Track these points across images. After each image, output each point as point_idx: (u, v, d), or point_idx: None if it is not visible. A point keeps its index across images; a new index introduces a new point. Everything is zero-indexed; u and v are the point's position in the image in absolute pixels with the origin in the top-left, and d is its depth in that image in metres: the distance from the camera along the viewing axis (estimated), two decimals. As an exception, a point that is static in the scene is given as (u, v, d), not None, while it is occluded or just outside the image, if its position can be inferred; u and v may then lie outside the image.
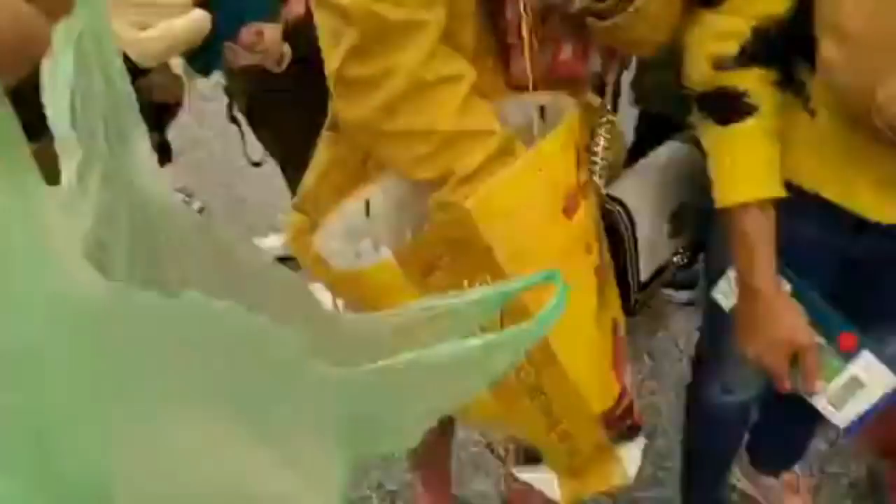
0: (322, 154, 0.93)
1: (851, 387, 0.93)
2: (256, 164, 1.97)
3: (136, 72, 1.58)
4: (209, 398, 0.32)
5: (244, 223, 2.53)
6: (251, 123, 1.87)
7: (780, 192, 0.86)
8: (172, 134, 2.01)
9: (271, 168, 1.99)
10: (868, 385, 0.92)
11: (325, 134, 0.92)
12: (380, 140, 0.80)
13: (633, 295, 0.99)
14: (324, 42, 0.77)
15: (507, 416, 0.88)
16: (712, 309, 1.03)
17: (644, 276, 1.00)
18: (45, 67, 0.38)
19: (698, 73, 0.85)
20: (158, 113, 1.88)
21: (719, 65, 0.83)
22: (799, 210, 0.90)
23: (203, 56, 1.67)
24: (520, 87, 0.84)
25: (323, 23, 0.76)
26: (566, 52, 0.85)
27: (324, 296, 0.86)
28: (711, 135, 0.87)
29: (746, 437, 1.45)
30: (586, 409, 0.86)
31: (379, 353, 0.37)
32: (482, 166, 0.76)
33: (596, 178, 0.94)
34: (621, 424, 0.91)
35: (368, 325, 0.47)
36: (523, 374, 0.83)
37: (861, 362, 0.92)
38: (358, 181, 0.89)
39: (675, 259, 1.06)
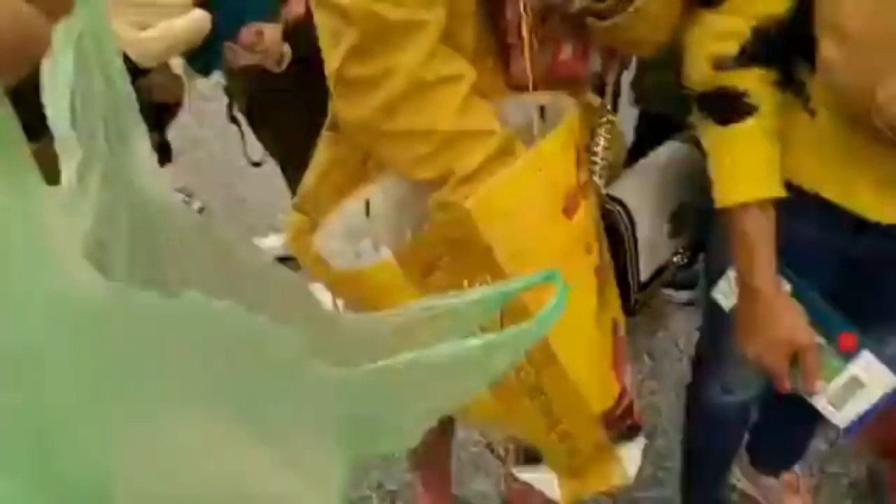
0: (322, 154, 0.93)
1: (851, 387, 0.93)
2: (256, 164, 1.97)
3: (136, 72, 1.58)
4: (209, 398, 0.32)
5: (244, 223, 2.53)
6: (251, 123, 1.87)
7: (780, 192, 0.86)
8: (172, 134, 2.01)
9: (271, 168, 1.99)
10: (868, 385, 0.92)
11: (325, 134, 0.92)
12: (380, 140, 0.80)
13: (633, 295, 0.99)
14: (324, 42, 0.76)
15: (507, 416, 0.88)
16: (712, 309, 1.03)
17: (644, 276, 0.99)
18: (45, 67, 0.38)
19: (698, 72, 0.85)
20: (158, 113, 1.88)
21: (719, 65, 0.83)
22: (799, 210, 0.90)
23: (203, 56, 1.67)
24: (520, 87, 0.84)
25: (323, 23, 0.76)
26: (566, 52, 0.85)
27: (324, 296, 0.86)
28: (711, 135, 0.86)
29: (746, 437, 1.45)
30: (586, 409, 0.86)
31: (379, 354, 0.37)
32: (482, 166, 0.75)
33: (596, 178, 0.94)
34: (621, 424, 0.91)
35: (368, 325, 0.47)
36: (523, 374, 0.83)
37: (861, 362, 0.92)
38: (358, 181, 0.89)
39: (674, 259, 1.06)
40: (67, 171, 0.39)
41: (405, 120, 0.76)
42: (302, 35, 1.43)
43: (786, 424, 1.37)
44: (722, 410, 1.24)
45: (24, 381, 0.26)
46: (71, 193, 0.39)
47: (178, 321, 0.29)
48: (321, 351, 0.35)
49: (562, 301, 0.40)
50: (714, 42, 0.83)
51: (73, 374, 0.27)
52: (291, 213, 0.94)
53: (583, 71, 0.89)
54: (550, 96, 0.84)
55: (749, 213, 0.86)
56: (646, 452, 0.97)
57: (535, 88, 0.82)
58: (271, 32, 1.61)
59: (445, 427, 1.37)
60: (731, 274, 0.95)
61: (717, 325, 1.00)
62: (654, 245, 1.00)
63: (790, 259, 0.90)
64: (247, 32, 1.59)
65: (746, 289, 0.91)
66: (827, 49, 0.76)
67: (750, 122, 0.83)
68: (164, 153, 1.92)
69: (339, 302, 0.91)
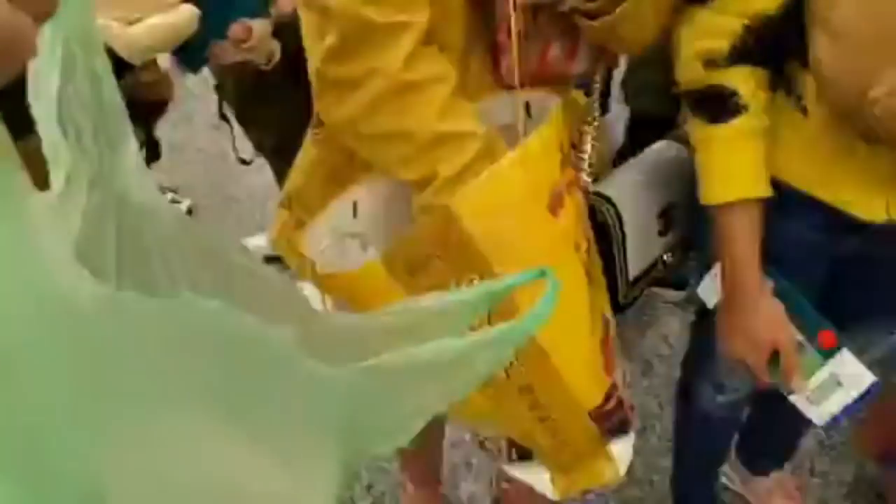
0: (307, 152, 0.92)
1: (830, 385, 0.95)
2: (246, 163, 1.96)
3: (122, 68, 1.57)
4: (201, 398, 0.32)
5: (233, 222, 2.52)
6: (241, 121, 1.86)
7: (766, 192, 0.86)
8: (161, 132, 1.99)
9: (261, 166, 1.98)
10: (846, 383, 0.94)
11: (310, 132, 0.92)
12: (361, 140, 0.80)
13: (622, 291, 0.99)
14: (306, 41, 0.76)
15: (498, 413, 0.88)
16: (703, 308, 1.03)
17: (633, 272, 1.00)
18: (31, 70, 0.37)
19: (689, 70, 0.85)
20: (146, 111, 1.87)
21: (710, 63, 0.83)
22: (789, 209, 0.90)
23: (192, 53, 1.66)
24: (509, 86, 0.83)
25: (306, 21, 0.76)
26: (555, 50, 0.85)
27: (312, 295, 0.85)
28: (699, 133, 0.87)
29: (737, 436, 1.45)
30: (576, 405, 0.86)
31: (368, 353, 0.37)
32: (465, 168, 0.75)
33: (583, 176, 0.94)
34: (612, 420, 0.91)
35: (358, 324, 0.46)
36: (512, 371, 0.82)
37: (840, 361, 0.94)
38: (345, 180, 0.88)
39: (665, 258, 1.06)
40: (55, 175, 0.39)
41: (385, 121, 0.75)
42: (291, 32, 1.42)
43: (776, 424, 1.38)
44: (713, 410, 1.25)
45: (15, 381, 0.26)
46: (59, 197, 0.39)
47: (170, 321, 0.29)
48: (311, 350, 0.35)
49: (552, 297, 0.40)
50: (705, 40, 0.83)
51: (64, 375, 0.27)
52: (277, 211, 0.93)
53: (571, 70, 0.89)
54: (537, 94, 0.84)
55: (734, 211, 0.86)
56: (638, 452, 0.97)
57: (523, 86, 0.81)
58: (260, 29, 1.60)
59: (436, 427, 1.36)
60: (716, 271, 0.96)
61: (708, 324, 1.01)
62: (643, 242, 1.01)
63: (780, 258, 0.91)
64: (236, 29, 1.58)
65: (730, 286, 0.92)
66: (819, 47, 0.76)
67: (738, 122, 0.83)
68: (152, 151, 1.90)
69: (328, 301, 0.90)
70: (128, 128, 0.41)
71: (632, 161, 1.10)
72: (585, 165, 0.95)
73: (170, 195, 2.58)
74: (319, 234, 0.86)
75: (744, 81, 0.83)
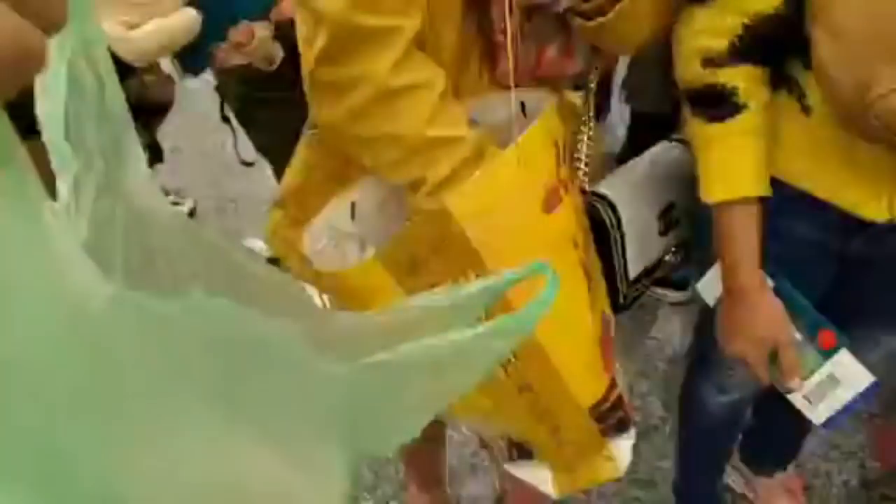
0: (303, 152, 0.93)
1: (828, 384, 0.95)
2: (248, 164, 1.96)
3: (125, 71, 1.57)
4: (211, 397, 0.32)
5: (235, 224, 2.53)
6: (242, 123, 1.86)
7: (766, 191, 0.86)
8: (163, 134, 2.00)
9: (263, 168, 1.98)
10: (844, 383, 0.94)
11: (307, 132, 0.92)
12: (351, 143, 0.81)
13: (621, 290, 0.99)
14: (301, 42, 0.77)
15: (498, 412, 0.88)
16: (706, 308, 1.03)
17: (633, 271, 1.00)
18: (38, 80, 0.38)
19: (688, 69, 0.85)
20: (149, 113, 1.87)
21: (709, 62, 0.83)
22: (791, 209, 0.90)
23: (193, 55, 1.66)
24: (507, 85, 0.84)
25: (301, 23, 0.76)
26: (551, 50, 0.85)
27: (312, 294, 0.86)
28: (700, 132, 0.87)
29: (740, 437, 1.45)
30: (575, 403, 0.86)
31: (368, 352, 0.37)
32: (454, 173, 0.76)
33: (580, 175, 0.95)
34: (611, 417, 0.91)
35: (358, 323, 0.46)
36: (512, 370, 0.83)
37: (839, 360, 0.94)
38: (342, 179, 0.89)
39: (667, 258, 1.07)
40: (62, 181, 0.39)
41: (375, 125, 0.76)
42: (293, 35, 1.42)
43: (779, 424, 1.37)
44: (716, 410, 1.25)
45: (28, 382, 0.26)
46: (66, 205, 0.39)
47: (182, 321, 0.29)
48: (317, 349, 0.35)
49: (552, 291, 0.40)
50: (704, 39, 0.83)
51: (78, 375, 0.27)
52: (271, 210, 0.94)
53: (568, 70, 0.89)
54: (533, 94, 0.84)
55: (734, 210, 0.86)
56: (639, 452, 0.97)
57: (519, 87, 0.81)
58: (262, 32, 1.60)
59: (437, 428, 1.36)
60: (716, 269, 0.96)
61: (710, 324, 1.00)
62: (643, 242, 1.01)
63: (780, 257, 0.91)
64: (237, 32, 1.59)
65: (730, 285, 0.92)
66: (819, 46, 0.76)
67: (738, 120, 0.83)
68: (154, 153, 1.91)
69: (326, 300, 0.90)
70: (133, 134, 0.41)
71: (632, 161, 1.10)
72: (582, 165, 0.95)
73: (171, 197, 2.59)
74: (317, 233, 0.86)
75: (743, 80, 0.83)
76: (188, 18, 1.62)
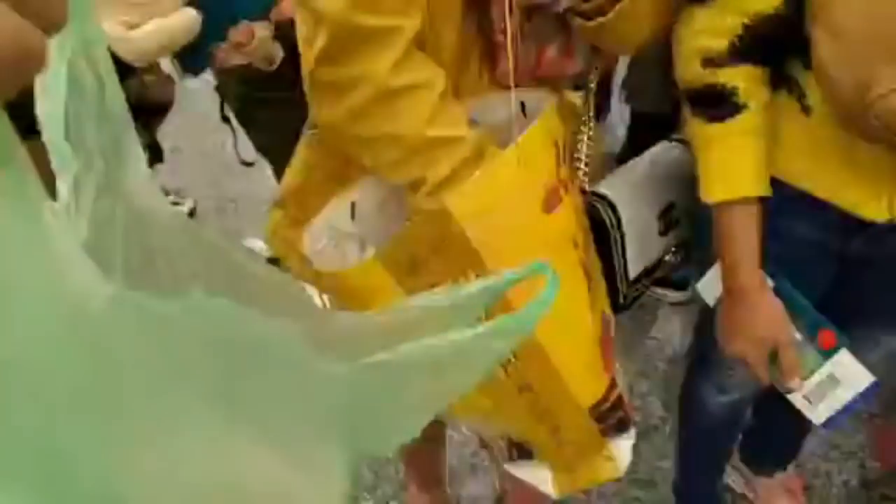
0: (302, 152, 0.93)
1: (828, 384, 0.95)
2: (248, 164, 1.96)
3: (125, 71, 1.57)
4: (210, 397, 0.32)
5: (235, 224, 2.53)
6: (242, 123, 1.86)
7: (766, 191, 0.86)
8: (163, 134, 2.00)
9: (263, 168, 1.98)
10: (844, 383, 0.94)
11: (307, 132, 0.92)
12: (351, 143, 0.81)
13: (621, 290, 0.99)
14: (300, 43, 0.77)
15: (498, 412, 0.88)
16: (706, 309, 1.03)
17: (633, 271, 1.00)
18: (38, 81, 0.38)
19: (688, 69, 0.85)
20: (149, 113, 1.87)
21: (709, 62, 0.83)
22: (791, 208, 0.90)
23: (193, 55, 1.66)
24: (507, 85, 0.84)
25: (301, 23, 0.76)
26: (551, 50, 0.86)
27: (312, 294, 0.86)
28: (699, 132, 0.87)
29: (740, 437, 1.45)
30: (575, 403, 0.87)
31: (368, 352, 0.37)
32: (454, 173, 0.76)
33: (580, 175, 0.95)
34: (611, 417, 0.91)
35: (358, 323, 0.46)
36: (512, 370, 0.83)
37: (839, 360, 0.94)
38: (343, 179, 0.89)
39: (668, 258, 1.07)
40: (62, 182, 0.39)
41: (375, 125, 0.76)
42: (293, 35, 1.42)
43: (779, 424, 1.37)
44: (716, 410, 1.25)
45: (28, 382, 0.26)
46: (66, 206, 0.39)
47: (182, 320, 0.29)
48: (317, 349, 0.35)
49: (552, 291, 0.40)
50: (704, 38, 0.83)
51: (78, 375, 0.27)
52: (271, 210, 0.94)
53: (568, 70, 0.89)
54: (533, 94, 0.84)
55: (734, 210, 0.86)
56: (639, 453, 0.97)
57: (519, 87, 0.82)
58: (262, 32, 1.60)
59: (437, 428, 1.36)
60: (716, 269, 0.96)
61: (711, 324, 1.01)
62: (643, 242, 1.01)
63: (780, 257, 0.91)
64: (237, 32, 1.59)
65: (730, 284, 0.92)
66: (819, 46, 0.76)
67: (738, 120, 0.83)
68: (154, 154, 1.91)
69: (326, 300, 0.90)
70: (133, 134, 0.41)
71: (632, 161, 1.10)
72: (582, 165, 0.95)
73: (171, 197, 2.59)
74: (317, 233, 0.86)
75: (743, 80, 0.83)
76: (188, 18, 1.62)
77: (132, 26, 1.58)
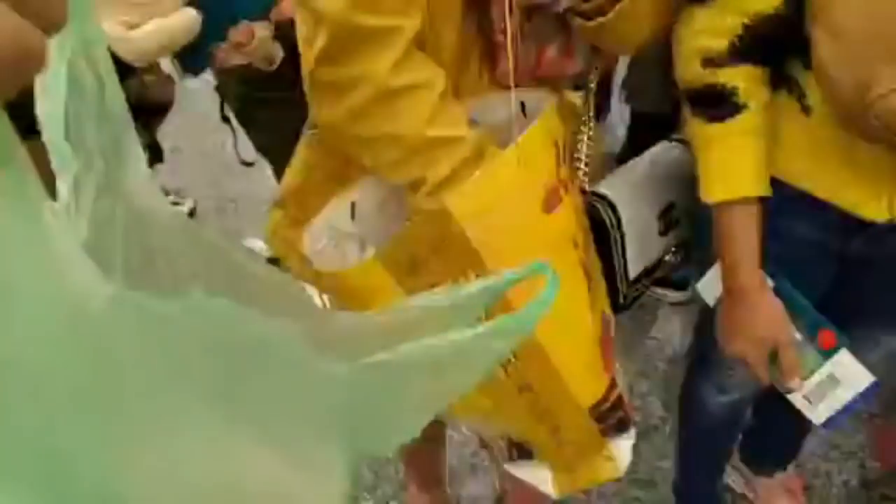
0: (303, 152, 0.93)
1: (828, 384, 0.95)
2: (248, 164, 1.96)
3: (125, 71, 1.57)
4: (210, 397, 0.32)
5: (235, 224, 2.53)
6: (242, 123, 1.86)
7: (766, 191, 0.86)
8: (163, 134, 2.00)
9: (263, 168, 1.98)
10: (844, 383, 0.94)
11: (307, 132, 0.92)
12: (351, 143, 0.81)
13: (621, 290, 0.99)
14: (300, 43, 0.77)
15: (498, 412, 0.88)
16: (706, 309, 1.03)
17: (633, 271, 1.00)
18: (38, 81, 0.38)
19: (688, 69, 0.85)
20: (149, 113, 1.87)
21: (709, 62, 0.83)
22: (791, 208, 0.90)
23: (193, 55, 1.66)
24: (507, 85, 0.84)
25: (301, 23, 0.76)
26: (551, 50, 0.86)
27: (312, 294, 0.86)
28: (699, 132, 0.87)
29: (740, 437, 1.45)
30: (575, 403, 0.87)
31: (368, 352, 0.37)
32: (454, 173, 0.76)
33: (580, 175, 0.95)
34: (611, 417, 0.91)
35: (358, 323, 0.46)
36: (512, 370, 0.83)
37: (839, 360, 0.94)
38: (342, 179, 0.89)
39: (668, 258, 1.07)
40: (62, 182, 0.39)
41: (375, 125, 0.76)
42: (293, 35, 1.42)
43: (779, 424, 1.37)
44: (716, 410, 1.25)
45: (28, 382, 0.26)
46: (66, 206, 0.39)
47: (182, 320, 0.29)
48: (317, 349, 0.35)
49: (552, 291, 0.40)
50: (704, 38, 0.83)
51: (78, 375, 0.27)
52: (271, 210, 0.94)
53: (568, 70, 0.89)
54: (533, 94, 0.84)
55: (734, 210, 0.86)
56: (639, 453, 0.97)
57: (519, 87, 0.82)
58: (262, 32, 1.60)
59: (437, 428, 1.36)
60: (716, 269, 0.96)
61: (711, 324, 1.01)
62: (643, 242, 1.01)
63: (780, 257, 0.91)
64: (237, 32, 1.59)
65: (729, 284, 0.92)
66: (819, 46, 0.76)
67: (738, 120, 0.83)
68: (154, 153, 1.91)
69: (326, 300, 0.90)
70: (133, 134, 0.41)
71: (632, 161, 1.10)
72: (582, 165, 0.95)
73: (171, 197, 2.59)
74: (317, 233, 0.87)
75: (743, 80, 0.83)
76: (188, 18, 1.62)
77: (132, 26, 1.58)
